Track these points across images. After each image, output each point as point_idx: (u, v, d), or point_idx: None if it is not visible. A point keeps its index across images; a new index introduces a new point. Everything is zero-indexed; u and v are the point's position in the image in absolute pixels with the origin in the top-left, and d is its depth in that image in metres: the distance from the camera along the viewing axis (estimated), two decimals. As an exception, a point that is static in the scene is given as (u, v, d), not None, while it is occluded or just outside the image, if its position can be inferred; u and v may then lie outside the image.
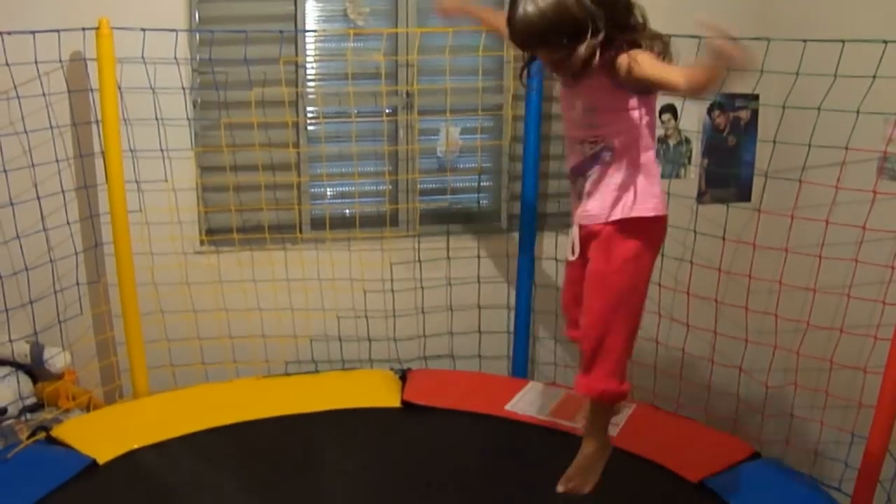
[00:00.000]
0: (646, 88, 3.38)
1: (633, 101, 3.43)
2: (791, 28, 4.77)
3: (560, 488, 3.71)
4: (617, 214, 3.46)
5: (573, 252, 3.65)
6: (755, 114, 5.22)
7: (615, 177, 3.46)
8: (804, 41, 4.31)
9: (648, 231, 3.50)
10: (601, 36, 3.21)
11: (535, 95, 5.07)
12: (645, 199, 3.46)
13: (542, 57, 3.41)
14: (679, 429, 4.64)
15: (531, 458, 4.50)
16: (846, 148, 4.42)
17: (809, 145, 4.57)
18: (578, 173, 3.58)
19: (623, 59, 3.25)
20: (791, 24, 4.98)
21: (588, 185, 3.54)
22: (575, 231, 3.64)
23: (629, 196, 3.45)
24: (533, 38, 3.29)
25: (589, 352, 3.53)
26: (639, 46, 3.29)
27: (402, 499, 4.15)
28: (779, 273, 4.80)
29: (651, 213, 3.47)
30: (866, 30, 4.33)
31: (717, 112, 5.31)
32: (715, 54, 2.92)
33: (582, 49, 3.22)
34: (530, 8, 3.21)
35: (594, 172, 3.51)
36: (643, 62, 3.22)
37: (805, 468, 4.72)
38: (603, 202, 3.49)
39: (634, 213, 3.45)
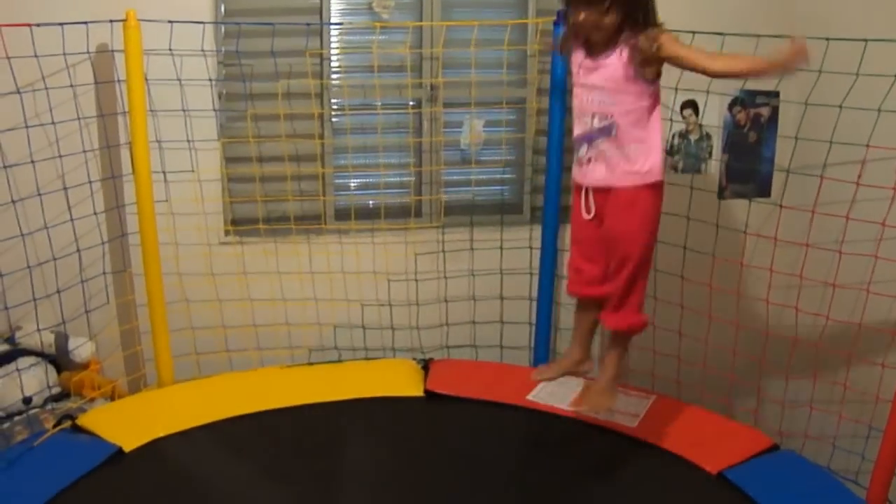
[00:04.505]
0: (657, 72, 3.75)
1: (645, 86, 3.74)
2: (814, 26, 4.78)
3: (574, 408, 4.42)
4: (630, 182, 3.80)
5: (588, 212, 3.99)
6: (775, 110, 5.23)
7: (623, 149, 3.78)
8: (827, 40, 4.33)
9: (657, 192, 3.86)
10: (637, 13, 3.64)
11: (558, 89, 5.08)
12: (651, 167, 3.80)
13: (580, 16, 3.69)
14: (699, 420, 4.65)
15: (553, 447, 4.53)
16: (867, 146, 4.44)
17: (831, 142, 4.60)
18: (584, 141, 3.89)
19: (654, 35, 3.61)
20: (813, 22, 5.00)
21: (594, 154, 3.86)
22: (590, 195, 3.97)
23: (638, 166, 3.80)
24: None
25: (620, 294, 3.94)
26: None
27: (426, 488, 4.17)
28: (799, 268, 4.83)
29: (656, 179, 3.82)
30: (888, 29, 4.35)
31: (737, 108, 5.32)
32: (781, 58, 3.46)
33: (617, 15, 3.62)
34: None
35: (600, 143, 3.82)
36: (675, 41, 3.62)
37: (823, 460, 4.74)
38: (613, 171, 3.83)
39: (645, 181, 3.80)
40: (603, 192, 3.90)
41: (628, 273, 3.88)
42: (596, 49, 3.77)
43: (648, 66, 3.68)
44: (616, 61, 3.70)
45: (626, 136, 3.76)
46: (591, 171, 3.89)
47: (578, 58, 3.87)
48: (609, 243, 3.94)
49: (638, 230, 3.85)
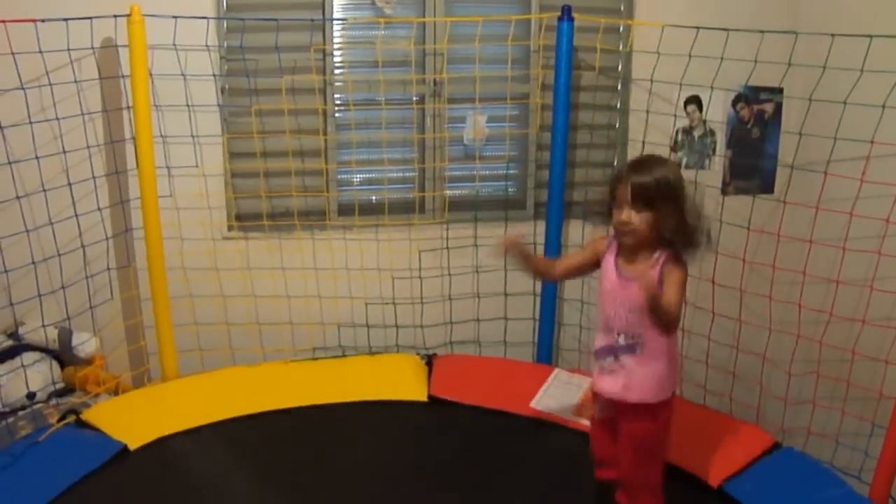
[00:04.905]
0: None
1: None
2: (818, 22, 4.78)
3: None
4: (648, 399, 3.69)
5: (598, 413, 3.95)
6: (779, 106, 5.22)
7: (647, 366, 3.67)
8: (832, 35, 4.33)
9: (670, 403, 3.78)
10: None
11: (562, 85, 5.09)
12: (668, 385, 3.75)
13: (624, 212, 3.54)
14: (701, 419, 4.65)
15: (554, 454, 4.52)
16: (871, 142, 4.43)
17: (835, 138, 4.59)
18: (607, 353, 3.74)
19: (672, 269, 3.55)
20: (818, 18, 4.99)
21: (616, 367, 3.73)
22: (600, 399, 3.87)
23: (657, 383, 3.69)
24: (648, 188, 3.49)
25: (636, 491, 3.87)
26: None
27: (425, 488, 4.19)
28: (802, 264, 4.83)
29: (671, 393, 3.78)
30: (893, 26, 4.35)
31: (741, 104, 5.32)
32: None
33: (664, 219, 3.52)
34: (661, 171, 3.53)
35: (624, 359, 3.69)
36: (678, 282, 3.56)
37: (826, 457, 4.74)
38: (635, 387, 3.69)
39: (661, 398, 3.71)
40: (617, 404, 3.78)
41: (638, 474, 3.84)
42: (630, 254, 3.65)
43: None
44: (651, 275, 3.50)
45: (649, 353, 3.64)
46: (610, 384, 3.75)
47: (610, 259, 3.72)
48: (620, 449, 3.87)
49: (648, 439, 3.77)
